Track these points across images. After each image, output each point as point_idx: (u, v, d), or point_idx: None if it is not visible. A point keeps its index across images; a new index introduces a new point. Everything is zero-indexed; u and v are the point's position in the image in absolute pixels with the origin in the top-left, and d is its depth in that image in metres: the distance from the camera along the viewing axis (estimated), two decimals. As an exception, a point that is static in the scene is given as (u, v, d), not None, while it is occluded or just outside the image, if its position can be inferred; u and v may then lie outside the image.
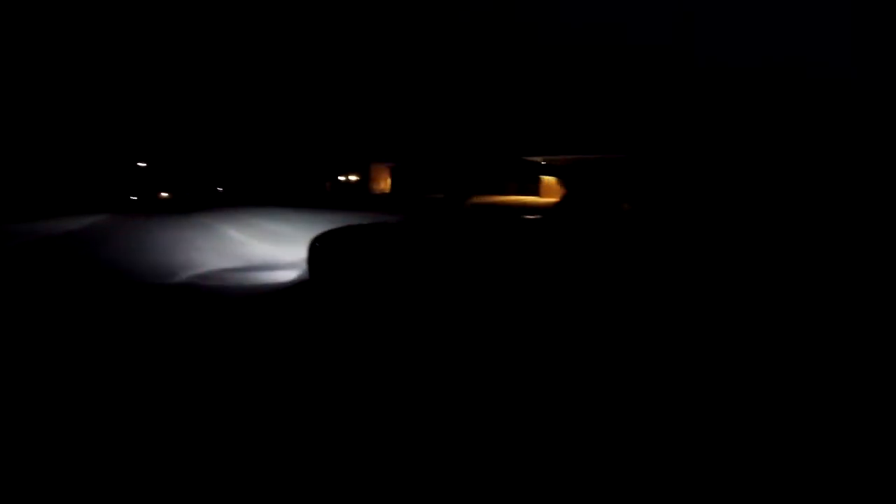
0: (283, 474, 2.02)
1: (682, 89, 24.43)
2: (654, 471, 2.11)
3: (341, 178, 47.24)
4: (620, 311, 3.39)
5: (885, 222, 3.55)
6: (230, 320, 4.20)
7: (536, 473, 2.07)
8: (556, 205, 8.08)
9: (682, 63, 25.22)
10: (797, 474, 2.11)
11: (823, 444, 2.29)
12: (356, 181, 46.08)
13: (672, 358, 3.08)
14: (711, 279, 3.36)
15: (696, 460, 2.17)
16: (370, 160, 44.97)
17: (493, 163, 31.28)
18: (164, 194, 58.05)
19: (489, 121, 32.73)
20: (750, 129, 19.30)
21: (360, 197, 39.18)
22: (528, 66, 31.90)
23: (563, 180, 24.82)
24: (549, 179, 25.48)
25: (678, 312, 3.31)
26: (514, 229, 4.51)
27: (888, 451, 2.25)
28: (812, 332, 3.04)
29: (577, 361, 3.09)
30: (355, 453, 2.16)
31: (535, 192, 26.54)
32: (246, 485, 1.95)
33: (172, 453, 2.17)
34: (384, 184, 45.07)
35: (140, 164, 54.34)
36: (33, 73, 34.76)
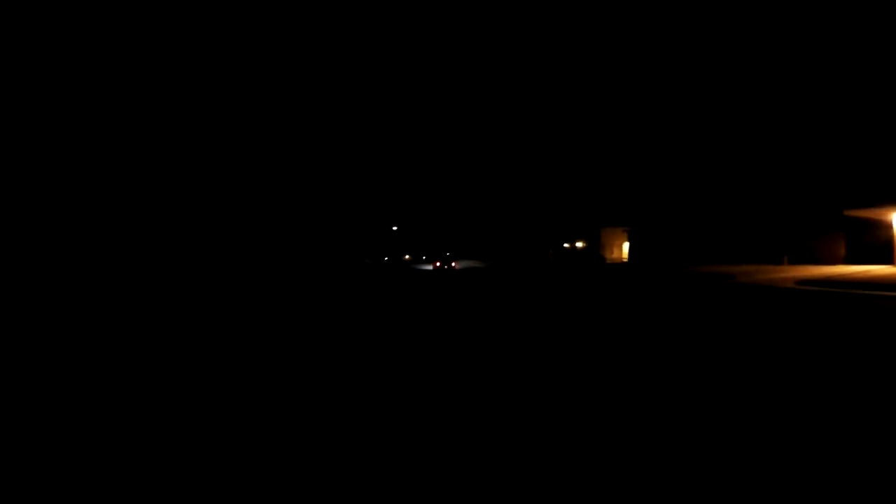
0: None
1: None
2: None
3: (566, 244, 41.95)
4: None
5: None
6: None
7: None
8: None
9: None
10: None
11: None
12: (583, 248, 40.14)
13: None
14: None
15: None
16: (599, 224, 38.71)
17: (794, 219, 22.47)
18: (406, 256, 73.49)
19: (783, 165, 24.18)
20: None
21: (578, 264, 32.98)
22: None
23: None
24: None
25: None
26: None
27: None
28: None
29: None
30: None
31: (886, 258, 17.19)
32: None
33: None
34: (618, 251, 38.12)
35: (394, 227, 65.06)
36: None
